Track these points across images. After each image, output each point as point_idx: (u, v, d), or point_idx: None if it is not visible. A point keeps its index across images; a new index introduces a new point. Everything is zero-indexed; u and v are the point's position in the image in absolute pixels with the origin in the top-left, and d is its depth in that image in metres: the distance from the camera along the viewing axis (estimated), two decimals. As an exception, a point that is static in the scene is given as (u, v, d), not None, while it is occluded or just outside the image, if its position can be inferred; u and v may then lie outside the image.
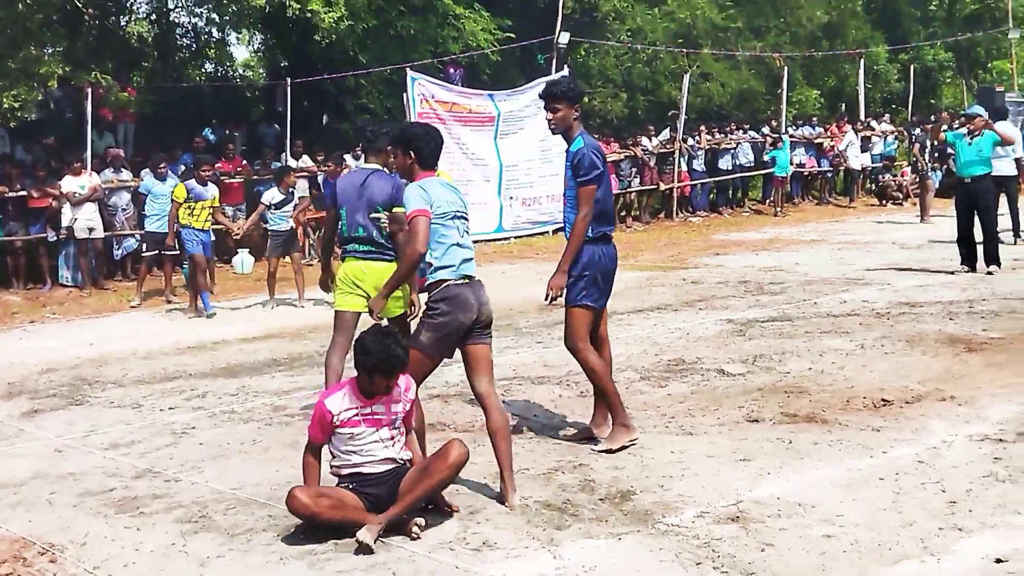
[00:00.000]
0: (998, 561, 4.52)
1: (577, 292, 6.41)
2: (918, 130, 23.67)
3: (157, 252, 13.81)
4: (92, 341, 10.96)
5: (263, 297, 13.04)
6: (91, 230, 14.85)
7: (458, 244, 5.70)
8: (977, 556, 4.59)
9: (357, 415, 5.17)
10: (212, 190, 12.84)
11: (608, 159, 21.40)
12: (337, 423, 5.16)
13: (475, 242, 15.50)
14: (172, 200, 12.66)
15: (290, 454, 6.54)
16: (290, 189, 13.07)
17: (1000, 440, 6.20)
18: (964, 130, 13.21)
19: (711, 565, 4.60)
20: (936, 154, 20.74)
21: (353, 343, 5.38)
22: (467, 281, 5.67)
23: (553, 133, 6.71)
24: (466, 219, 5.85)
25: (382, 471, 5.21)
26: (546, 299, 6.43)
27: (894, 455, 6.04)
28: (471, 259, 5.77)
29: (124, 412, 7.91)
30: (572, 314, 6.45)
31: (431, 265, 5.62)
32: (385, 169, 7.00)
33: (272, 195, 12.99)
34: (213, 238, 13.40)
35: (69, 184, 14.75)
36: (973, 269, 12.81)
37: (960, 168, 13.21)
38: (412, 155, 5.79)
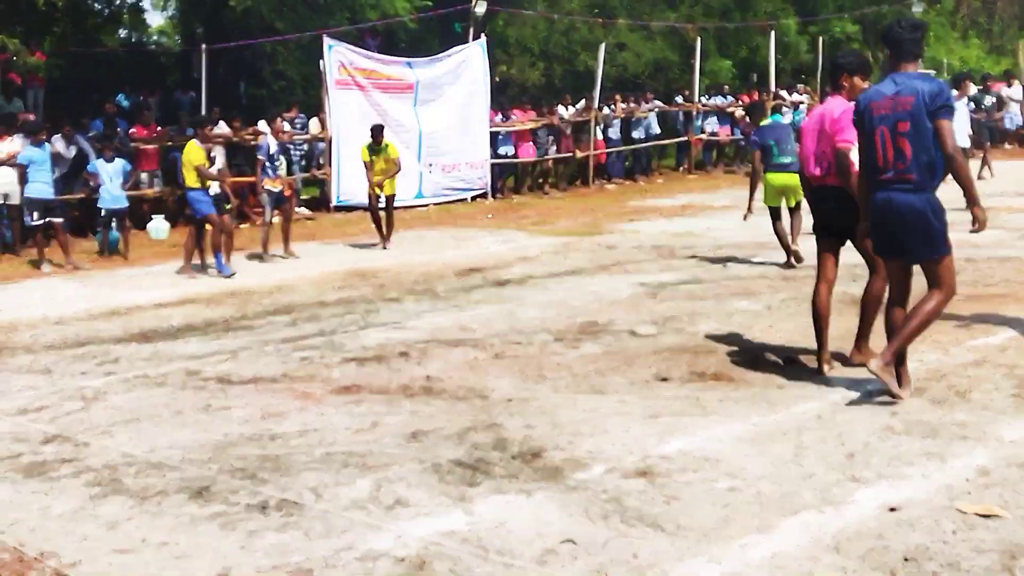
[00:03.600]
0: (892, 510, 4.68)
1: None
2: None
3: (46, 220, 13.57)
4: (2, 307, 10.76)
5: (179, 263, 12.87)
6: (6, 196, 14.40)
7: None
8: (872, 505, 4.75)
9: None
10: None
11: (524, 127, 21.75)
12: None
13: (395, 208, 15.69)
14: (192, 165, 12.29)
15: (203, 417, 6.54)
16: (208, 154, 12.89)
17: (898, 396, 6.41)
18: None
19: (618, 518, 4.70)
20: None
21: None
22: None
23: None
24: None
25: None
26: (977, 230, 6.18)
27: (797, 411, 6.21)
28: None
29: (33, 378, 7.80)
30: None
31: None
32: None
33: None
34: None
35: (-14, 147, 14.35)
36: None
37: None
38: None
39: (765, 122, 12.28)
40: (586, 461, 5.47)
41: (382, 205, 14.68)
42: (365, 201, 15.74)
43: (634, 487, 5.07)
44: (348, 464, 5.54)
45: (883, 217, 6.27)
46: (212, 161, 12.86)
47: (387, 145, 14.80)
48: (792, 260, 11.54)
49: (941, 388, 6.52)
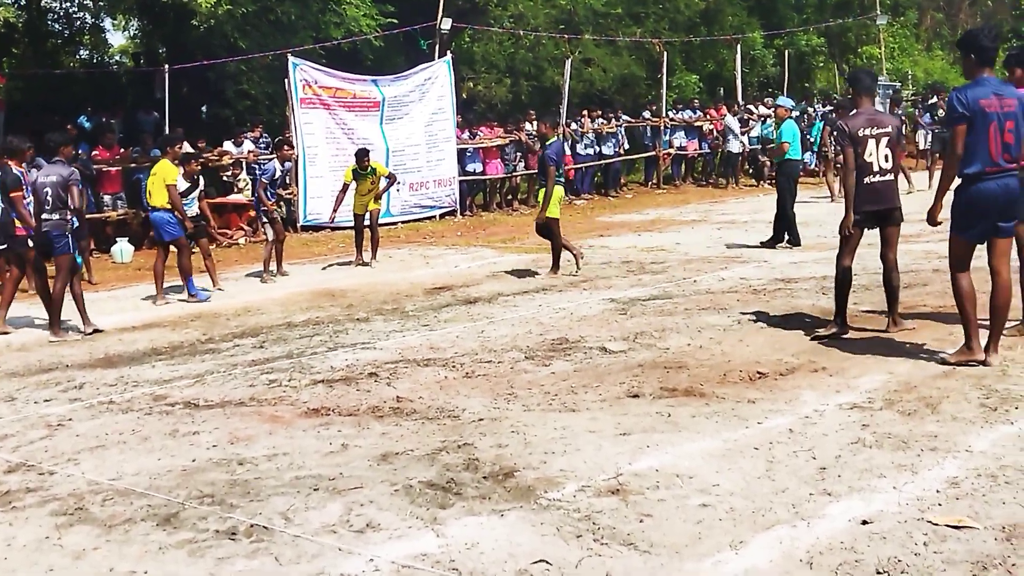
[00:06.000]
0: (864, 523, 4.69)
1: None
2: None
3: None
4: (-38, 335, 10.62)
5: (143, 287, 12.75)
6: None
7: None
8: (844, 519, 4.76)
9: None
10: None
11: (492, 144, 21.75)
12: None
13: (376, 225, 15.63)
14: (165, 183, 11.96)
15: (170, 443, 6.46)
16: (194, 175, 12.71)
17: (868, 408, 6.44)
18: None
19: (591, 537, 4.68)
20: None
21: None
22: None
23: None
24: None
25: None
26: None
27: (768, 425, 6.21)
28: None
29: (-4, 406, 7.70)
30: None
31: None
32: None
33: (179, 183, 12.67)
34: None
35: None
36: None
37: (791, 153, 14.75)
38: None
39: (553, 139, 13.07)
40: (558, 480, 5.44)
41: (367, 222, 14.67)
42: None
43: (607, 505, 5.05)
44: (318, 488, 5.48)
45: (998, 200, 7.08)
46: (196, 183, 12.67)
47: (375, 167, 14.82)
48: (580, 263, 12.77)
49: (911, 400, 6.55)
